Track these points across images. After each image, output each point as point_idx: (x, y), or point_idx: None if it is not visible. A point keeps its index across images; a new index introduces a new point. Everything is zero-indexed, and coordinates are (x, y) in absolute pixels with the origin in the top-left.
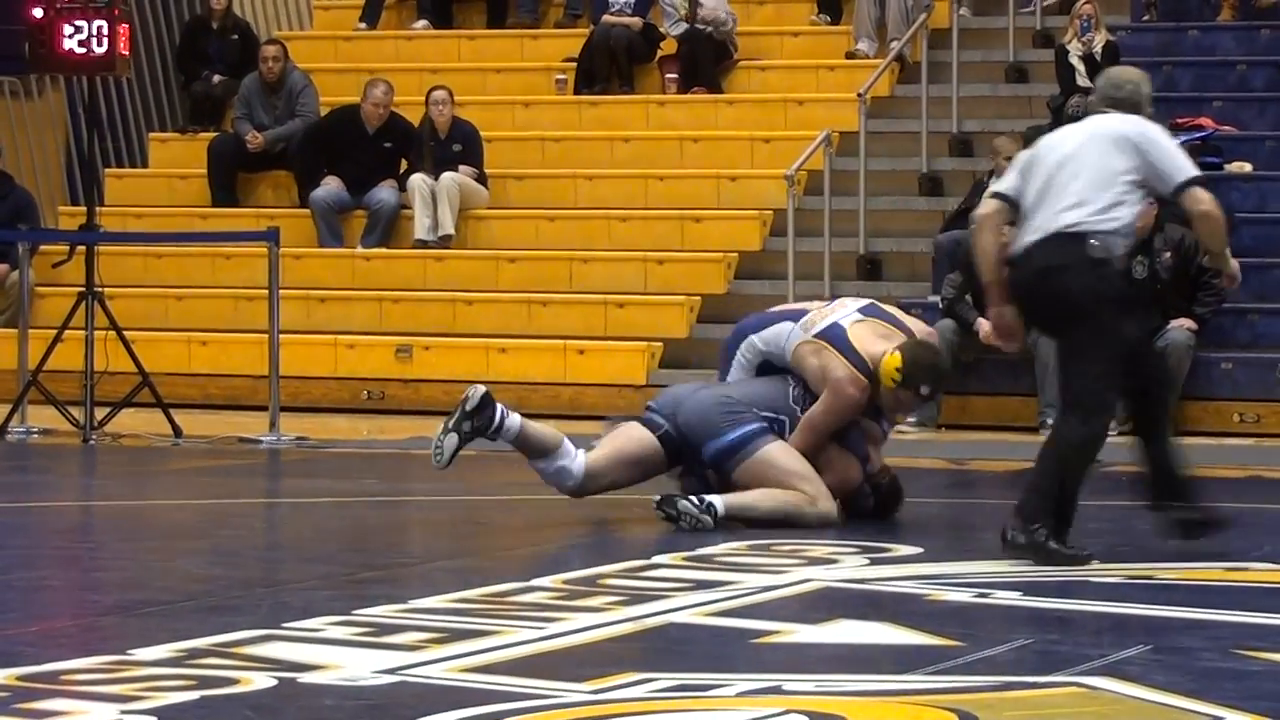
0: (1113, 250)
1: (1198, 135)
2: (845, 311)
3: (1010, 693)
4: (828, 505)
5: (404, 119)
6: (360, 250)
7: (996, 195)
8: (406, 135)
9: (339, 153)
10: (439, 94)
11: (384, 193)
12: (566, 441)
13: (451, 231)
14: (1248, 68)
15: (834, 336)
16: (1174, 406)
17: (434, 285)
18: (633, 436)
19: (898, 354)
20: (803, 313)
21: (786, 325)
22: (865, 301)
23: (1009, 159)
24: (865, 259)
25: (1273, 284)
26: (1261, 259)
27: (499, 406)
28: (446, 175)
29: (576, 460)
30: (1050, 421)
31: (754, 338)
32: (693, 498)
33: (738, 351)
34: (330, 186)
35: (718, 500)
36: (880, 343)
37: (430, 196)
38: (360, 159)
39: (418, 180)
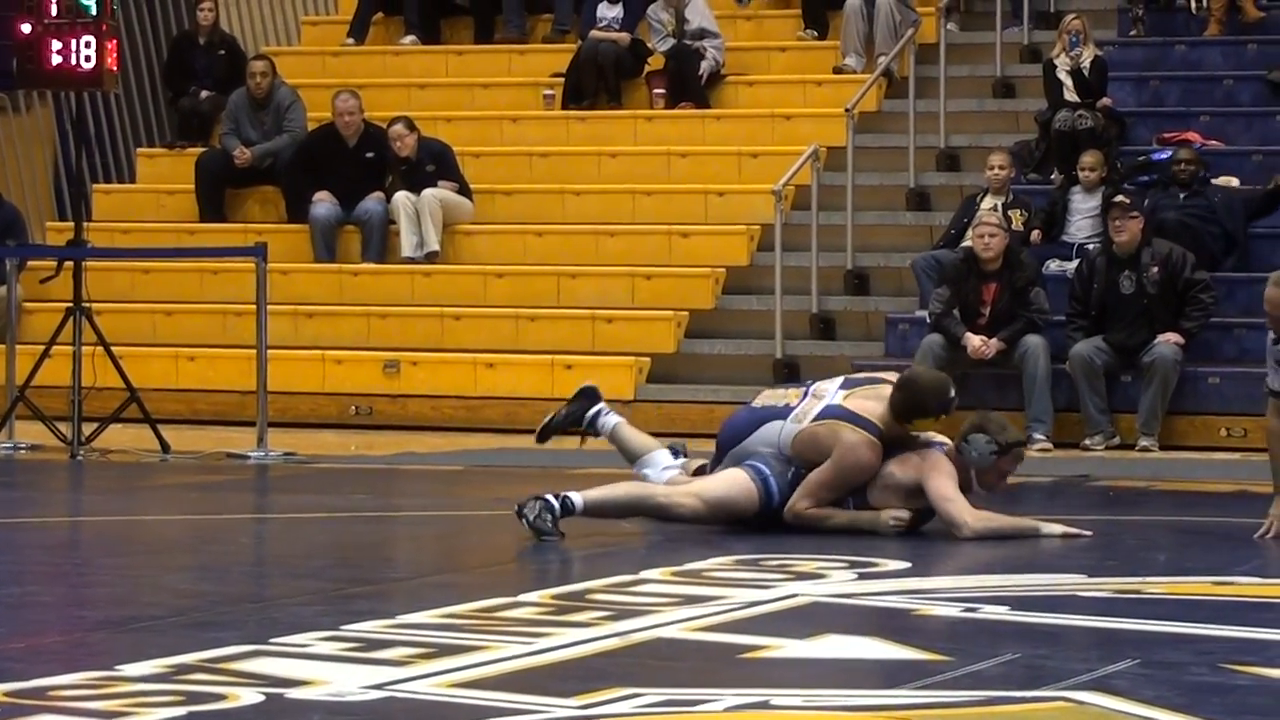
0: None
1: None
2: (830, 391)
3: (998, 707)
4: (681, 494)
5: (381, 129)
6: (348, 265)
7: None
8: (385, 145)
9: (325, 168)
10: (396, 129)
11: (371, 204)
12: (659, 452)
13: (436, 248)
14: (1234, 82)
15: (834, 414)
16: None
17: (421, 300)
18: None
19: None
20: (784, 408)
21: (775, 424)
22: (840, 378)
23: (1000, 169)
24: (853, 274)
25: (1260, 299)
26: (1249, 274)
27: (601, 405)
28: (427, 192)
29: (662, 475)
30: (1038, 435)
31: (752, 441)
32: (548, 495)
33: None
34: (325, 203)
35: (575, 495)
36: (877, 404)
37: (415, 214)
38: (345, 173)
39: (401, 198)
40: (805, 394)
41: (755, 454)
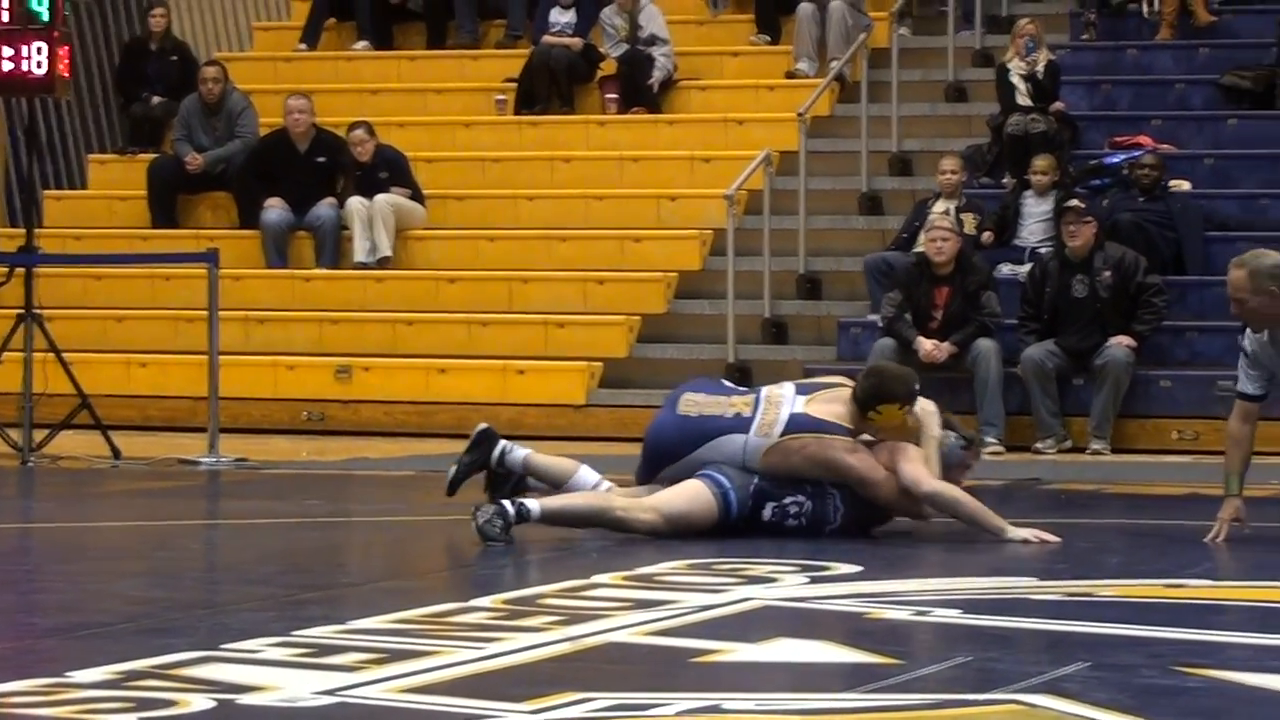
0: None
1: (1135, 154)
2: (788, 398)
3: (949, 710)
4: (639, 509)
5: (332, 134)
6: (300, 271)
7: None
8: (337, 150)
9: (277, 174)
10: (356, 134)
11: (323, 210)
12: (583, 469)
13: (389, 253)
14: (1186, 86)
15: (801, 425)
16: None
17: (374, 306)
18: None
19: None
20: (736, 419)
21: (734, 438)
22: (789, 384)
23: (951, 173)
24: (805, 278)
25: (1211, 302)
26: (1201, 277)
27: (501, 442)
28: (380, 197)
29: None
30: (990, 439)
31: (701, 455)
32: (505, 501)
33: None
34: (277, 208)
35: (533, 504)
36: (841, 406)
37: (368, 219)
38: (298, 178)
39: (355, 203)
40: (757, 403)
41: (711, 464)
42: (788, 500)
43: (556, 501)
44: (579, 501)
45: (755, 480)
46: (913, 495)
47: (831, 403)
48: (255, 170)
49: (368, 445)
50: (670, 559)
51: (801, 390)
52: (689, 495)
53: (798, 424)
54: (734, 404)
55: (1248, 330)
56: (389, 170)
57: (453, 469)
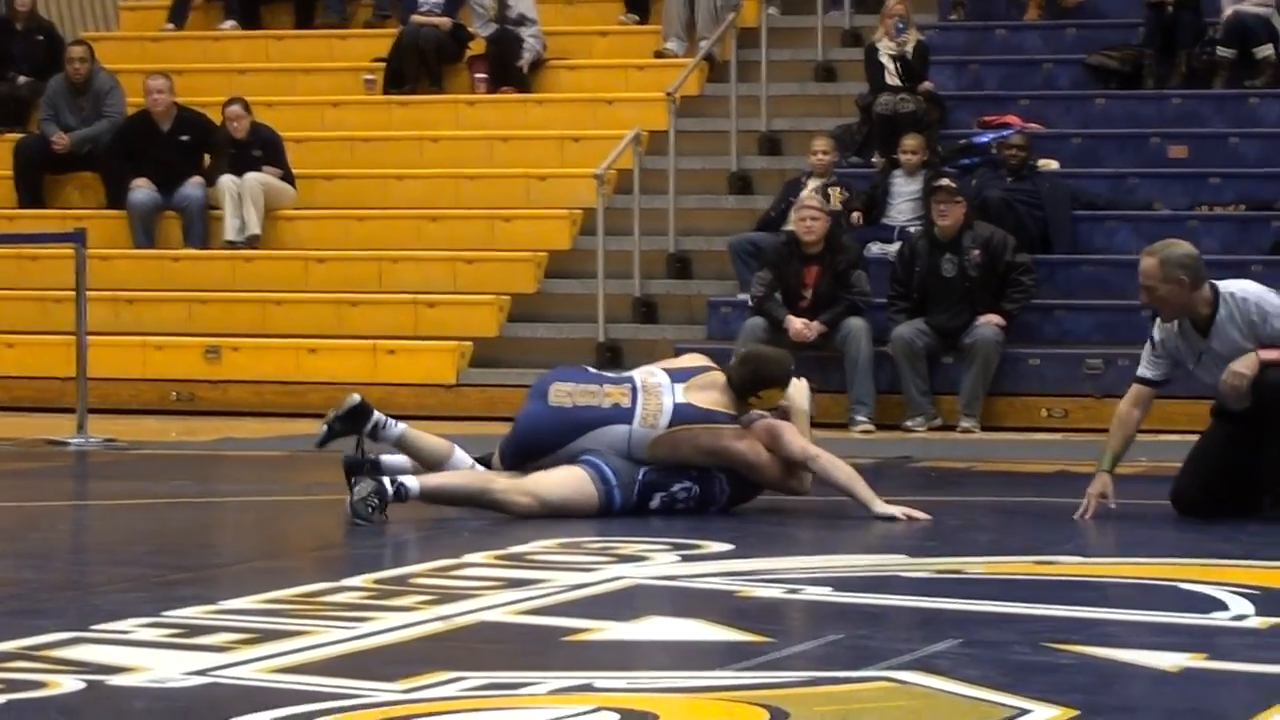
0: None
1: (1004, 133)
2: (665, 387)
3: (821, 688)
4: (516, 491)
5: (196, 112)
6: (168, 251)
7: None
8: (203, 129)
9: (141, 154)
10: (233, 109)
11: (189, 189)
12: (458, 452)
13: (258, 231)
14: (1054, 66)
15: (687, 415)
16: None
17: (243, 286)
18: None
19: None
20: (615, 409)
21: (616, 429)
22: (659, 371)
23: (823, 154)
24: (675, 258)
25: (1080, 280)
26: (1069, 255)
27: (376, 415)
28: (250, 175)
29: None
30: (860, 418)
31: (579, 445)
32: (384, 480)
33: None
34: (143, 189)
35: (411, 481)
36: (719, 393)
37: (238, 197)
38: (162, 157)
39: (226, 181)
40: (634, 392)
41: (592, 452)
42: (676, 488)
43: (436, 480)
44: (458, 481)
45: (642, 472)
46: (795, 468)
47: (708, 389)
48: (120, 151)
49: (237, 425)
50: (542, 538)
51: (676, 378)
52: (572, 485)
53: (683, 415)
54: (609, 393)
55: (1158, 320)
56: (263, 149)
57: (324, 429)
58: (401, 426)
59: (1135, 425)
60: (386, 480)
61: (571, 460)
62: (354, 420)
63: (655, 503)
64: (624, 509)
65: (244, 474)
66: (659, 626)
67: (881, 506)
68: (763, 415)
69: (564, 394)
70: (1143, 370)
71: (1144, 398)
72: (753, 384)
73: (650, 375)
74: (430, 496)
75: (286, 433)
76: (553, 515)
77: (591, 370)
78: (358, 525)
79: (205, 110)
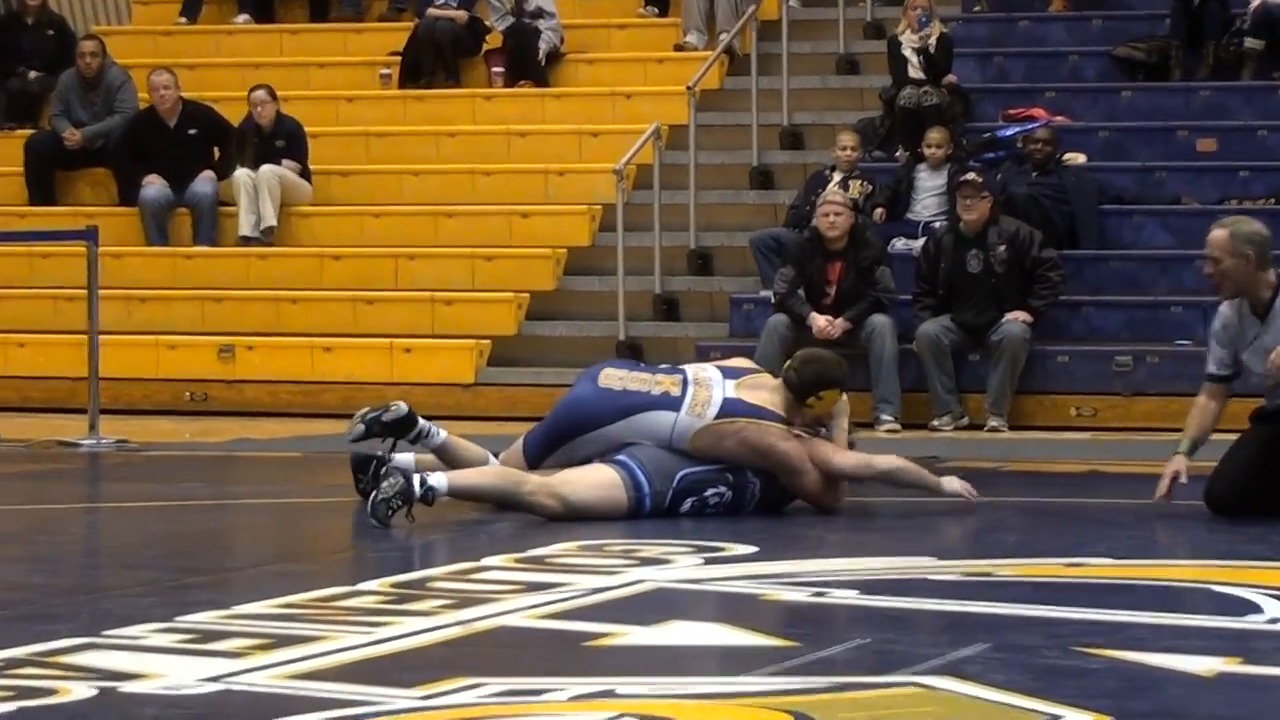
0: None
1: (1029, 127)
2: (716, 381)
3: (847, 694)
4: (545, 494)
5: (203, 106)
6: (181, 249)
7: None
8: (211, 122)
9: (151, 151)
10: (258, 94)
11: (200, 185)
12: (493, 461)
13: (274, 223)
14: (1080, 58)
15: (735, 409)
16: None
17: (257, 284)
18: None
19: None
20: (664, 397)
21: (662, 415)
22: (712, 367)
23: (850, 150)
24: (696, 254)
25: (1108, 276)
26: (1096, 251)
27: (421, 424)
28: (266, 168)
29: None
30: (885, 416)
31: (620, 430)
32: (413, 478)
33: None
34: (156, 185)
35: (439, 481)
36: (762, 391)
37: (254, 191)
38: (171, 153)
39: (242, 175)
40: (685, 383)
41: (631, 446)
42: (709, 493)
43: (465, 479)
44: (489, 480)
45: (678, 478)
46: (835, 482)
47: (759, 389)
48: (130, 147)
49: (251, 426)
50: (562, 540)
51: (727, 374)
52: (603, 488)
53: (732, 408)
54: (661, 383)
55: (1220, 308)
56: (287, 140)
57: (360, 428)
58: (443, 434)
59: (1213, 416)
60: (415, 480)
61: (607, 451)
62: (400, 429)
63: (686, 506)
64: (654, 511)
65: (259, 475)
66: (682, 631)
67: (950, 485)
68: (813, 432)
69: (615, 378)
70: (1209, 366)
71: (1216, 393)
72: (814, 384)
73: (701, 370)
74: (459, 494)
75: (302, 433)
76: (577, 517)
77: (644, 365)
78: (375, 528)
79: (218, 106)
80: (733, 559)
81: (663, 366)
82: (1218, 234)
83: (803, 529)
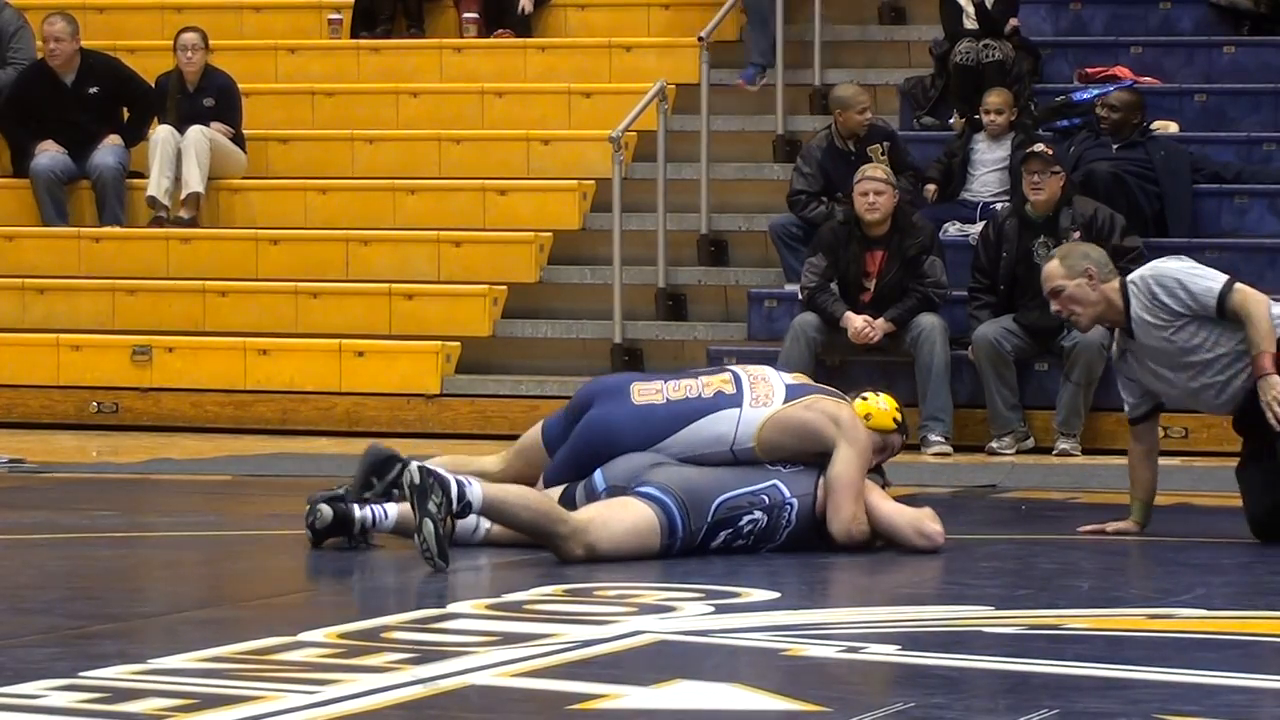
0: None
1: (1110, 88)
2: (772, 374)
3: None
4: (576, 542)
5: (106, 57)
6: (87, 230)
7: None
8: (117, 77)
9: (44, 113)
10: (189, 37)
11: (104, 154)
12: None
13: (200, 189)
14: (1173, 5)
15: (801, 391)
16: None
17: (178, 272)
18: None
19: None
20: (718, 397)
21: (724, 415)
22: (753, 366)
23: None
24: (708, 239)
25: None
26: (1189, 240)
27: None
28: (194, 128)
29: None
30: (934, 436)
31: (677, 442)
32: (452, 480)
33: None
34: (50, 152)
35: (474, 493)
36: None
37: (175, 154)
38: (68, 116)
39: (164, 132)
40: (737, 379)
41: (660, 468)
42: (744, 521)
43: (503, 497)
44: (526, 503)
45: (718, 503)
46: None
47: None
48: (18, 109)
49: (169, 443)
50: (543, 583)
51: (779, 366)
52: (638, 536)
53: (797, 391)
54: (708, 383)
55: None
56: (216, 98)
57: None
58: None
59: (1151, 466)
60: (454, 487)
61: (658, 464)
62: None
63: (719, 540)
64: (683, 550)
65: (179, 503)
66: (688, 692)
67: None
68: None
69: (651, 391)
70: (1126, 410)
71: (1143, 434)
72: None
73: (754, 367)
74: (491, 513)
75: (231, 452)
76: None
77: (718, 367)
78: (429, 560)
79: (133, 58)
80: (749, 606)
81: (694, 368)
82: (1049, 266)
83: (833, 571)
